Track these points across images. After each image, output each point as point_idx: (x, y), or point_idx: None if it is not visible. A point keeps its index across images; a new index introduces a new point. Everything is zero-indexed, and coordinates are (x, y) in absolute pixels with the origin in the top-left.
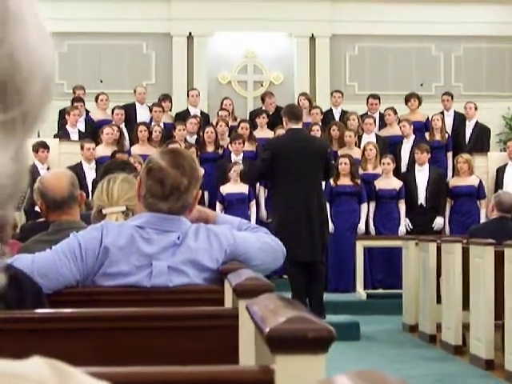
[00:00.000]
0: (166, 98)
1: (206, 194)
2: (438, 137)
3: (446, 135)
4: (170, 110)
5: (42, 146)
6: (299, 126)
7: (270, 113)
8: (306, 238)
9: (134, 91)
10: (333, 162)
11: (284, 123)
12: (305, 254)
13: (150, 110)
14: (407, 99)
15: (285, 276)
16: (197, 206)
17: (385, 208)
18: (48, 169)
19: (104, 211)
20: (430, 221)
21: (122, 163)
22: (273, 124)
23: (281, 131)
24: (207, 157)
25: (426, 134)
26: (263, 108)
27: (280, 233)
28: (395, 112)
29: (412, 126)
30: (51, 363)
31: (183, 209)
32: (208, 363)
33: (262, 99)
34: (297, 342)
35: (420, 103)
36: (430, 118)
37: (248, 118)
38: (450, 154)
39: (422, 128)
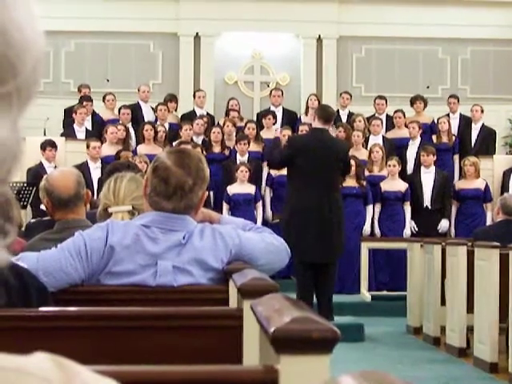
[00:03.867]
0: (173, 98)
1: (212, 194)
2: (444, 139)
3: (453, 138)
4: (176, 111)
5: (49, 145)
6: (325, 127)
7: (277, 109)
8: (316, 238)
9: (138, 90)
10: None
11: (313, 119)
12: (314, 255)
13: (154, 110)
14: (412, 102)
15: (291, 277)
16: (201, 209)
17: (390, 210)
18: (55, 167)
19: (110, 210)
20: (436, 223)
21: (127, 163)
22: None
23: (287, 132)
24: (214, 157)
25: (433, 137)
26: (271, 106)
27: (288, 231)
28: (405, 115)
29: (421, 129)
30: (55, 359)
31: (188, 208)
32: (212, 363)
33: (271, 94)
34: (301, 343)
35: (425, 106)
36: (435, 121)
37: (256, 119)
38: (456, 157)
39: (427, 130)
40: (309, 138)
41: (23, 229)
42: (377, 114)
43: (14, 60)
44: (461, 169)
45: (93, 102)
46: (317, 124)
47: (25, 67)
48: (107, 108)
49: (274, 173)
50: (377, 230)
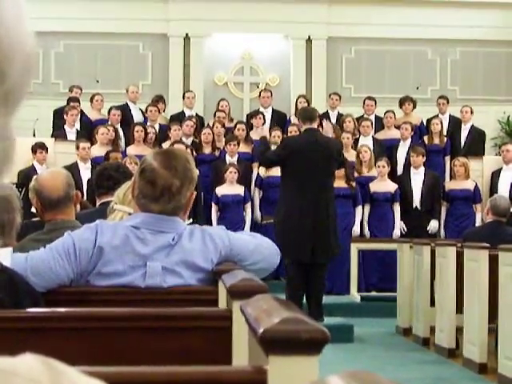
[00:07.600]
0: (160, 99)
1: (202, 195)
2: (436, 141)
3: (445, 139)
4: (164, 111)
5: (40, 148)
6: (314, 126)
7: (266, 110)
8: (310, 238)
9: (127, 90)
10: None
11: (300, 125)
12: (306, 255)
13: (143, 112)
14: (401, 103)
15: (280, 277)
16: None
17: (379, 211)
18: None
19: (115, 206)
20: (425, 224)
21: (117, 165)
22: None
23: (277, 132)
24: (204, 158)
25: (425, 138)
26: (260, 107)
27: (281, 231)
28: (395, 116)
29: (413, 131)
30: (43, 360)
31: (176, 210)
32: (201, 363)
33: (260, 95)
34: (290, 343)
35: (414, 107)
36: (423, 122)
37: (245, 120)
38: (447, 158)
39: (416, 131)
40: (303, 138)
41: None
42: (366, 115)
43: (2, 63)
44: (451, 170)
45: (80, 102)
46: (306, 126)
47: (14, 70)
48: (94, 108)
49: (263, 174)
50: (366, 231)
